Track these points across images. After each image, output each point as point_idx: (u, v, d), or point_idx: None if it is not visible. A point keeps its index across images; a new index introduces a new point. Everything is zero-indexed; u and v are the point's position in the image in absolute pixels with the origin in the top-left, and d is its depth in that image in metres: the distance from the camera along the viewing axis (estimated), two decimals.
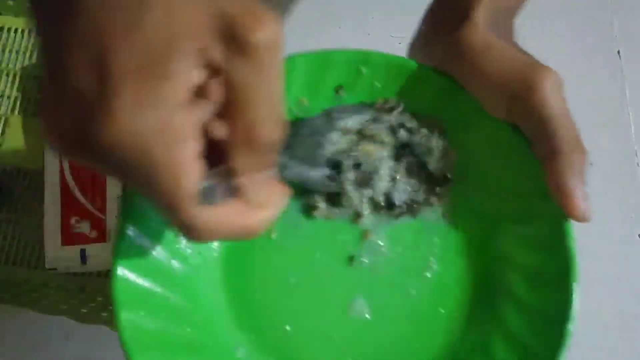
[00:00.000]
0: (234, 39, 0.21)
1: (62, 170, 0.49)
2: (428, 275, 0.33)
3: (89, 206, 0.49)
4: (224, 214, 0.24)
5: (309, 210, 0.34)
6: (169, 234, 0.32)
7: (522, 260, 0.32)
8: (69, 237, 0.48)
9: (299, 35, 0.68)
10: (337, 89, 0.35)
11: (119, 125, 0.20)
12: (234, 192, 0.24)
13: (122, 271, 0.30)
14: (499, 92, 0.30)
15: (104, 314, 0.47)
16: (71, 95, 0.21)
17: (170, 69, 0.20)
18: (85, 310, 0.48)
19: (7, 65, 0.55)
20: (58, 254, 0.48)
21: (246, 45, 0.21)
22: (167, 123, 0.20)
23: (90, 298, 0.48)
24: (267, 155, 0.24)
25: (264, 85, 0.22)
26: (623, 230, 0.65)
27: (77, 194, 0.49)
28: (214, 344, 0.32)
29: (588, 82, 0.68)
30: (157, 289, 0.31)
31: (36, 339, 0.54)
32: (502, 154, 0.32)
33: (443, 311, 0.33)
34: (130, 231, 0.31)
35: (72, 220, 0.48)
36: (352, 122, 0.33)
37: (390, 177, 0.34)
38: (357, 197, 0.34)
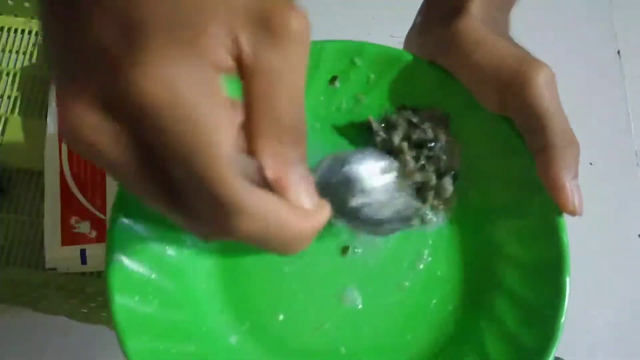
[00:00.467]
0: (267, 25, 0.20)
1: (62, 170, 0.49)
2: (421, 267, 0.33)
3: (89, 206, 0.49)
4: (276, 205, 0.21)
5: None
6: (164, 222, 0.32)
7: (515, 253, 0.32)
8: (69, 237, 0.48)
9: None
10: (332, 80, 0.35)
11: (147, 71, 0.19)
12: (269, 187, 0.21)
13: (116, 256, 0.30)
14: (492, 85, 0.31)
15: (104, 314, 0.47)
16: (94, 55, 0.19)
17: (201, 34, 0.19)
18: (85, 310, 0.48)
19: (7, 65, 0.55)
20: (58, 254, 0.48)
21: (280, 33, 0.20)
22: (201, 78, 0.19)
23: (90, 298, 0.48)
24: (296, 147, 0.22)
25: (291, 74, 0.21)
26: (623, 230, 0.65)
27: (77, 194, 0.49)
28: (207, 331, 0.32)
29: (588, 82, 0.68)
30: (152, 275, 0.31)
31: (36, 339, 0.54)
32: (495, 147, 0.33)
33: (435, 303, 0.33)
34: (125, 218, 0.31)
35: (72, 220, 0.48)
36: (376, 181, 0.32)
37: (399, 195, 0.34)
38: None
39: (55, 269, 0.48)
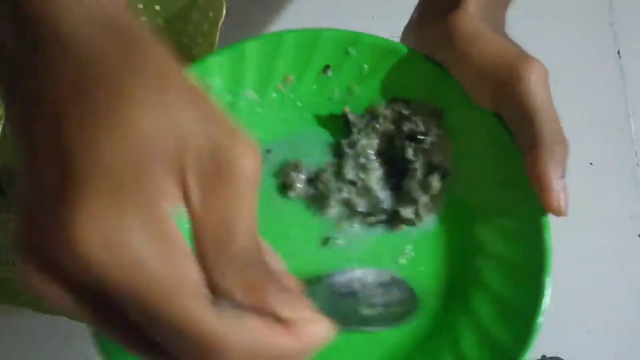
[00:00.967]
0: (215, 166, 0.19)
1: None
2: (403, 261, 0.33)
3: None
4: (259, 326, 0.19)
5: (285, 188, 0.34)
6: None
7: (498, 252, 0.32)
8: None
9: None
10: (325, 69, 0.35)
11: (90, 234, 0.17)
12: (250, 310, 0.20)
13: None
14: (485, 81, 0.31)
15: None
16: (38, 198, 0.18)
17: (147, 181, 0.18)
18: None
19: None
20: None
21: (227, 175, 0.19)
22: (148, 226, 0.18)
23: None
24: (259, 272, 0.20)
25: (240, 218, 0.20)
26: (623, 230, 0.65)
27: None
28: None
29: (588, 82, 0.68)
30: None
31: (36, 339, 0.54)
32: (485, 144, 0.33)
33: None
34: None
35: None
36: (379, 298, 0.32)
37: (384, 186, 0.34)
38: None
39: None
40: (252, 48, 0.33)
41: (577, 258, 0.58)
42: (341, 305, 0.31)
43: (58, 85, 0.18)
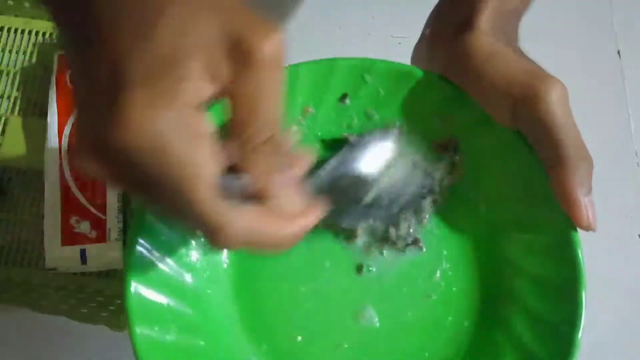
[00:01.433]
0: (240, 53, 0.21)
1: (62, 170, 0.49)
2: (436, 283, 0.33)
3: (89, 206, 0.49)
4: (254, 217, 0.24)
5: None
6: (180, 248, 0.32)
7: (530, 269, 0.32)
8: (69, 237, 0.48)
9: (299, 36, 0.68)
10: (342, 97, 0.35)
11: (129, 124, 0.20)
12: (255, 197, 0.24)
13: (134, 287, 0.30)
14: (504, 100, 0.30)
15: (104, 314, 0.47)
16: (88, 101, 0.22)
17: (180, 75, 0.21)
18: (85, 310, 0.48)
19: (7, 65, 0.55)
20: (58, 254, 0.48)
21: (251, 59, 0.21)
22: (180, 121, 0.21)
23: (90, 298, 0.48)
24: (275, 157, 0.24)
25: (265, 99, 0.23)
26: (623, 230, 0.65)
27: (77, 194, 0.49)
28: (227, 355, 0.32)
29: (588, 82, 0.68)
30: (170, 302, 0.31)
31: (36, 339, 0.54)
32: (508, 161, 0.32)
33: (451, 319, 0.33)
34: (141, 246, 0.31)
35: (72, 220, 0.48)
36: (381, 168, 0.33)
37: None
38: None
39: (55, 269, 0.48)
40: None
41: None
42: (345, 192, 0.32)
43: (104, 3, 0.21)
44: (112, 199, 0.49)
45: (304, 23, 0.68)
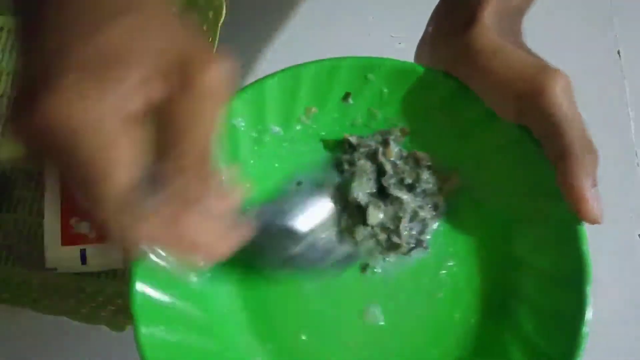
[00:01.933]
0: (180, 76, 0.21)
1: None
2: (442, 280, 0.33)
3: None
4: (161, 219, 0.23)
5: None
6: None
7: (535, 263, 0.32)
8: (69, 237, 0.48)
9: (299, 35, 0.68)
10: (345, 97, 0.35)
11: (55, 105, 0.20)
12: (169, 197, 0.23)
13: (139, 286, 0.30)
14: (509, 95, 0.30)
15: (104, 314, 0.47)
16: (27, 80, 0.22)
17: (116, 77, 0.21)
18: (85, 310, 0.48)
19: (7, 65, 0.55)
20: (58, 254, 0.48)
21: (189, 85, 0.21)
22: (103, 117, 0.21)
23: (90, 298, 0.48)
24: (196, 186, 0.24)
25: (197, 125, 0.22)
26: (623, 230, 0.65)
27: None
28: (232, 354, 0.32)
29: (588, 82, 0.68)
30: (175, 302, 0.31)
31: (36, 339, 0.54)
32: (513, 156, 0.32)
33: (458, 316, 0.33)
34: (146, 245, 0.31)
35: (72, 221, 0.48)
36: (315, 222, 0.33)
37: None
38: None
39: (55, 269, 0.48)
40: (272, 85, 0.33)
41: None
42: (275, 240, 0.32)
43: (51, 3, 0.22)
44: None
45: (304, 23, 0.68)
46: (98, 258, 0.48)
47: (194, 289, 0.32)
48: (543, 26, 0.68)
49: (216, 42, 0.45)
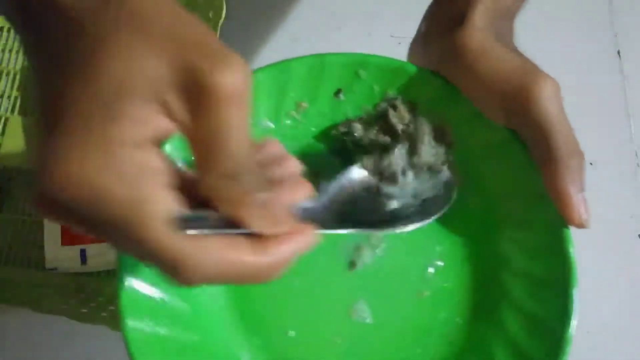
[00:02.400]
0: (195, 89, 0.19)
1: None
2: (429, 279, 0.33)
3: None
4: (220, 248, 0.21)
5: None
6: None
7: (522, 265, 0.32)
8: (69, 237, 0.48)
9: (299, 36, 0.68)
10: (336, 93, 0.35)
11: (58, 175, 0.19)
12: (228, 228, 0.21)
13: (126, 280, 0.30)
14: (496, 97, 0.30)
15: (104, 314, 0.47)
16: (35, 148, 0.20)
17: (113, 115, 0.19)
18: (85, 310, 0.48)
19: (7, 65, 0.55)
20: (58, 254, 0.48)
21: (207, 96, 0.19)
22: (115, 162, 0.19)
23: (90, 298, 0.48)
24: (243, 183, 0.21)
25: (228, 137, 0.20)
26: (623, 230, 0.65)
27: None
28: (219, 349, 0.32)
29: (588, 82, 0.68)
30: (162, 297, 0.31)
31: (36, 339, 0.54)
32: (501, 158, 0.32)
33: (444, 315, 0.33)
34: None
35: None
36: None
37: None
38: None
39: (55, 269, 0.48)
40: (262, 78, 0.33)
41: (576, 258, 0.58)
42: (360, 201, 0.30)
43: (48, 42, 0.20)
44: None
45: (305, 23, 0.68)
46: (98, 258, 0.48)
47: None
48: (543, 26, 0.68)
49: None
